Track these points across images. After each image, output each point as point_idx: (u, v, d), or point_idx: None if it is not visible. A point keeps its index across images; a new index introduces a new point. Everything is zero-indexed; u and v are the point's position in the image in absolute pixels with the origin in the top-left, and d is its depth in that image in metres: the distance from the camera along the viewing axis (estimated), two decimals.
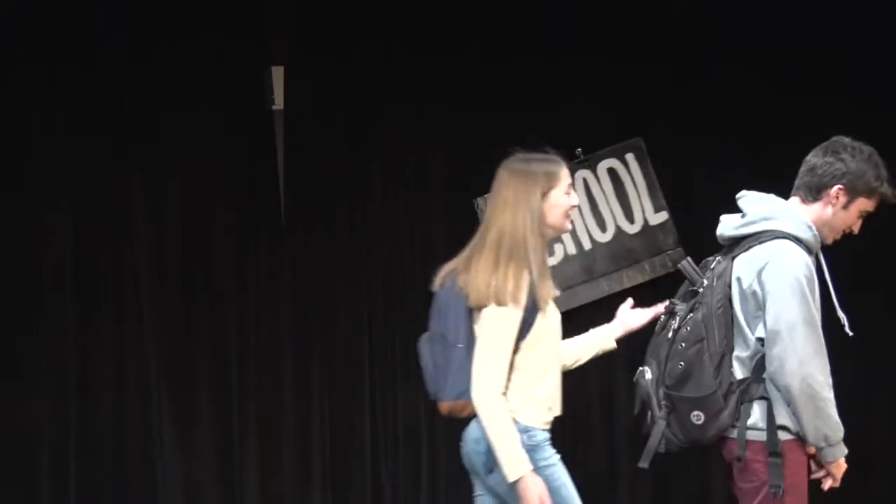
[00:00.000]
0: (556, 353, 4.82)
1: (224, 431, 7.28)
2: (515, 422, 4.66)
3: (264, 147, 7.30)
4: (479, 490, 4.88)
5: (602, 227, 7.22)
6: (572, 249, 7.21)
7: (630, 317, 5.07)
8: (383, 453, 7.32)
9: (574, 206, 4.81)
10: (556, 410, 4.82)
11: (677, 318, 4.71)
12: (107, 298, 7.26)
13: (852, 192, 4.69)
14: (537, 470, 4.65)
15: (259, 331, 7.31)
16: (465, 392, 4.69)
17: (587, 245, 7.21)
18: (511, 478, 4.63)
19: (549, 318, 4.75)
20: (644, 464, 4.74)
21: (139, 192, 7.25)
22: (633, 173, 7.20)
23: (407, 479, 7.32)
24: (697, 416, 4.62)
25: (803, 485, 4.66)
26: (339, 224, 7.33)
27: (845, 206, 4.71)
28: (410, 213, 7.35)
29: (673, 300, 4.80)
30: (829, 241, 4.77)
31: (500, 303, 4.64)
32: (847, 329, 4.80)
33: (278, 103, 7.27)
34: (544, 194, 4.74)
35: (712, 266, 4.76)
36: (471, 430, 4.77)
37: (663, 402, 4.68)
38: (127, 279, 7.26)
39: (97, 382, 7.23)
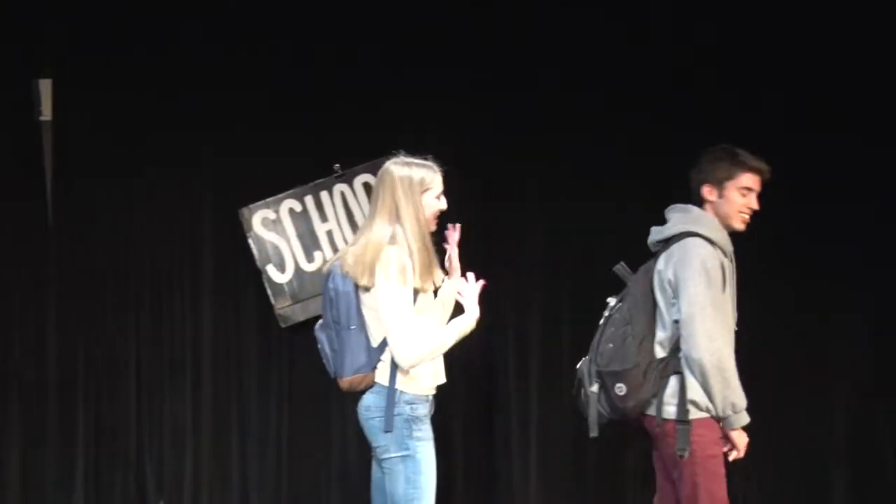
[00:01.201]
0: (437, 327, 5.29)
1: None
2: (402, 392, 5.16)
3: (33, 156, 7.44)
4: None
5: None
6: (331, 256, 7.55)
7: (452, 258, 5.53)
8: (147, 450, 7.49)
9: (442, 210, 5.31)
10: (440, 378, 5.33)
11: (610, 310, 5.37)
12: None
13: (717, 183, 5.42)
14: (410, 439, 5.13)
15: (25, 331, 7.45)
16: (361, 367, 5.21)
17: None
18: (472, 325, 5.21)
19: (430, 296, 5.25)
20: (594, 433, 5.33)
21: None
22: None
23: (170, 475, 7.51)
24: (620, 388, 5.25)
25: (717, 457, 5.25)
26: (106, 228, 7.51)
27: (721, 196, 5.42)
28: (177, 219, 7.54)
29: (608, 300, 5.44)
30: (736, 226, 5.44)
31: (391, 282, 5.11)
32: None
33: (46, 114, 7.45)
34: (421, 195, 5.24)
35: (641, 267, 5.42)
36: (362, 401, 5.27)
37: (595, 379, 5.31)
38: None
39: None
